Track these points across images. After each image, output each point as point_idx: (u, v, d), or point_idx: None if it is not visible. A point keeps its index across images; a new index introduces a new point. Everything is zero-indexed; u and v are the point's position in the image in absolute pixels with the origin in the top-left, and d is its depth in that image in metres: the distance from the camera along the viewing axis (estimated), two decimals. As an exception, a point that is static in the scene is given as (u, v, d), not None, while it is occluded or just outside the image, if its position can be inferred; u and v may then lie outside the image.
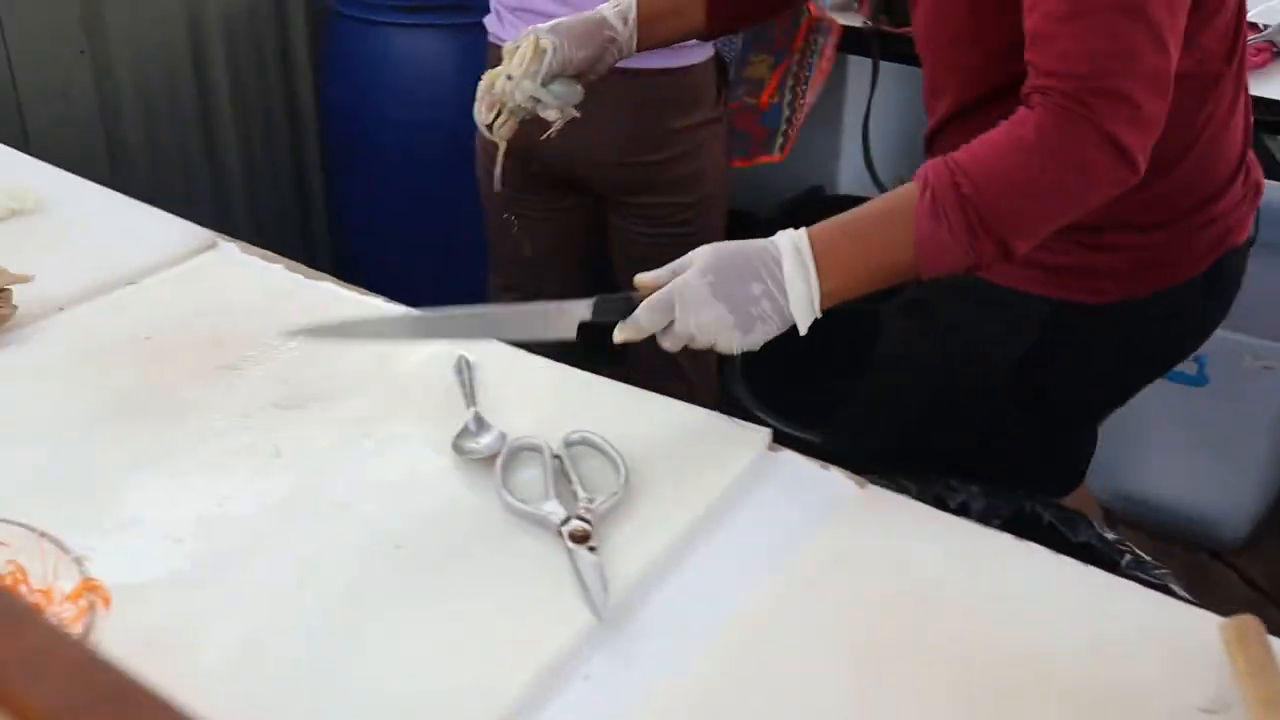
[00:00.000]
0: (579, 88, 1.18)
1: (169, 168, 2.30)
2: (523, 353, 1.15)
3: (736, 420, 1.08)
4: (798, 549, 0.94)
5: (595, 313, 0.96)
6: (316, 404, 1.10)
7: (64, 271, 1.29)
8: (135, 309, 1.26)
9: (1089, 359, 1.30)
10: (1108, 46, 0.90)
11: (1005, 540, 0.96)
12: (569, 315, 0.97)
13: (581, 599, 0.87)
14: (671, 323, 0.94)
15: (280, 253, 1.37)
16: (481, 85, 1.17)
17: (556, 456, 1.01)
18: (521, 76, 1.14)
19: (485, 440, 1.01)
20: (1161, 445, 2.26)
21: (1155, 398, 2.20)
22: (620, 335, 0.96)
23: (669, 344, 0.96)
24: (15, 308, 1.23)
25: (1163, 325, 1.28)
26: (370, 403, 1.10)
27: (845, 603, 0.89)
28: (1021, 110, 0.94)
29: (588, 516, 0.94)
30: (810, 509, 0.99)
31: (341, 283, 1.31)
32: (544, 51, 1.13)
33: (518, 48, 1.15)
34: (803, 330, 0.94)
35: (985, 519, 1.33)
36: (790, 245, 0.93)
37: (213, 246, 1.38)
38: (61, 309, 1.26)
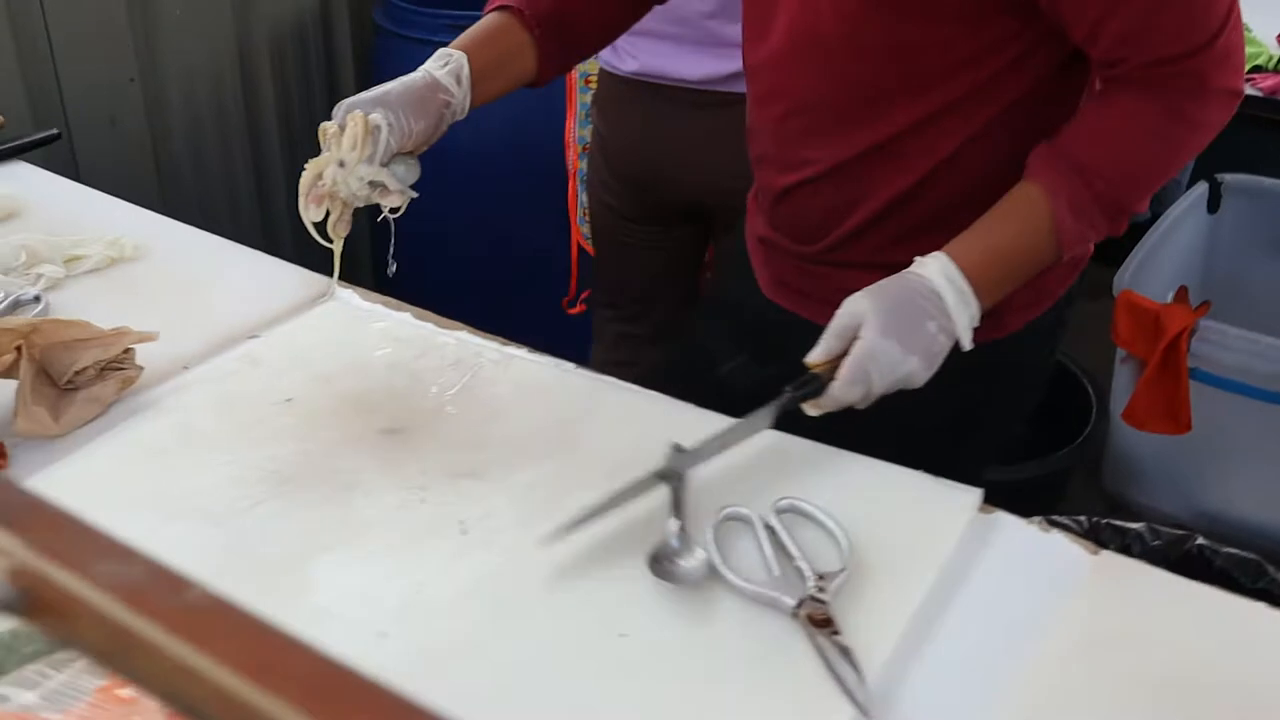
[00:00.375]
0: (418, 164, 1.04)
1: (215, 188, 2.22)
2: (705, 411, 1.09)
3: (942, 480, 1.01)
4: (1045, 620, 0.88)
5: (789, 403, 0.95)
6: (492, 472, 1.02)
7: (179, 325, 1.21)
8: (266, 366, 1.18)
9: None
10: (1203, 17, 0.93)
11: (1262, 610, 0.90)
12: (764, 416, 0.96)
13: (836, 689, 0.81)
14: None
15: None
16: (305, 178, 1.01)
17: (769, 527, 0.94)
18: (356, 162, 0.99)
19: (689, 565, 0.89)
20: (1247, 463, 2.22)
21: (1240, 415, 2.17)
22: (817, 412, 0.95)
23: (863, 404, 0.95)
24: (140, 368, 1.15)
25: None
26: (555, 469, 1.03)
27: (1124, 685, 0.83)
28: (1125, 96, 0.96)
29: (823, 598, 0.87)
30: (1043, 575, 0.93)
31: (476, 331, 1.24)
32: (377, 129, 0.99)
33: (342, 129, 0.99)
34: (965, 348, 0.96)
35: (1153, 558, 1.27)
36: (943, 277, 0.94)
37: (328, 294, 1.30)
38: (187, 367, 1.18)
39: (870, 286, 0.95)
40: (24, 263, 1.29)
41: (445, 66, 1.06)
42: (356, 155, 0.99)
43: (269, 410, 1.10)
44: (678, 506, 0.92)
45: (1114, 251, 3.16)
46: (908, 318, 0.93)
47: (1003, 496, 1.00)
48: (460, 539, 0.95)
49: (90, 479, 1.02)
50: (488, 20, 1.13)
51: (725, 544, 0.93)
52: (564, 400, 1.12)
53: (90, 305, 1.25)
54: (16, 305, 1.25)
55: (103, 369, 1.12)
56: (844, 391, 0.93)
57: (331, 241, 1.05)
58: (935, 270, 0.94)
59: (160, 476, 1.02)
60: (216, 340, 1.22)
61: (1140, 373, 2.23)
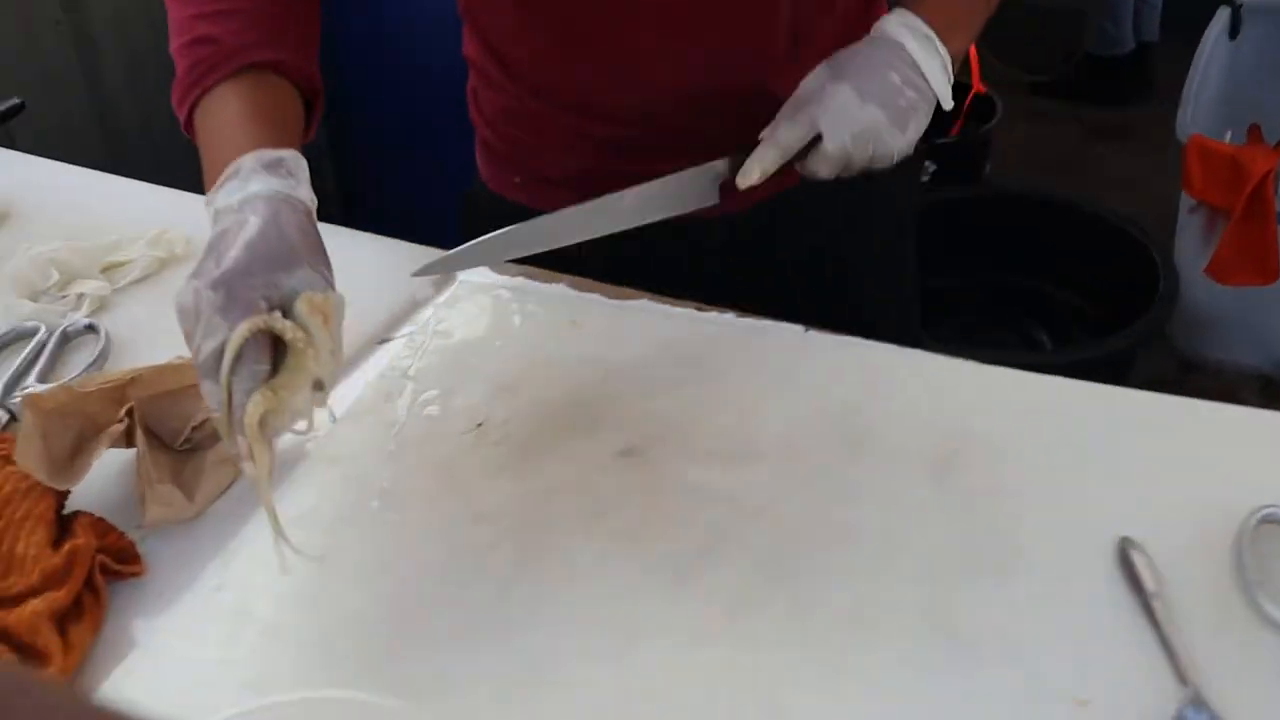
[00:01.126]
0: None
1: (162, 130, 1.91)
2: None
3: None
4: None
5: (733, 164, 0.85)
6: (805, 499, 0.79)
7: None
8: (418, 379, 0.92)
9: None
10: None
11: None
12: (708, 175, 0.85)
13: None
14: (818, 140, 0.83)
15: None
16: (251, 415, 0.66)
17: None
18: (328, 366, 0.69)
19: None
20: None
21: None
22: (756, 168, 0.84)
23: (824, 169, 0.84)
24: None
25: None
26: (881, 484, 0.80)
27: None
28: None
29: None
30: None
31: (656, 297, 0.99)
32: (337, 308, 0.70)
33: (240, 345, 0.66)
34: (947, 105, 0.86)
35: None
36: (903, 27, 0.85)
37: (446, 281, 1.03)
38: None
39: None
40: (56, 282, 1.00)
41: (294, 179, 0.73)
42: (330, 355, 0.69)
43: (458, 445, 0.85)
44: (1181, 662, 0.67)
45: (1108, 91, 3.03)
46: (867, 68, 0.83)
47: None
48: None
49: (254, 577, 0.77)
50: (253, 89, 0.79)
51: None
52: (828, 375, 0.89)
53: (153, 328, 0.97)
54: (65, 340, 0.96)
55: (224, 416, 0.85)
56: (786, 130, 0.83)
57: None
58: (894, 24, 0.86)
59: (343, 564, 0.77)
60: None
61: (1214, 222, 2.08)
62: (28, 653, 0.69)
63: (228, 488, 0.84)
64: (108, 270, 1.02)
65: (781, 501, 0.79)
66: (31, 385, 0.90)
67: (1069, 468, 0.79)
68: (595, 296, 0.99)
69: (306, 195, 0.73)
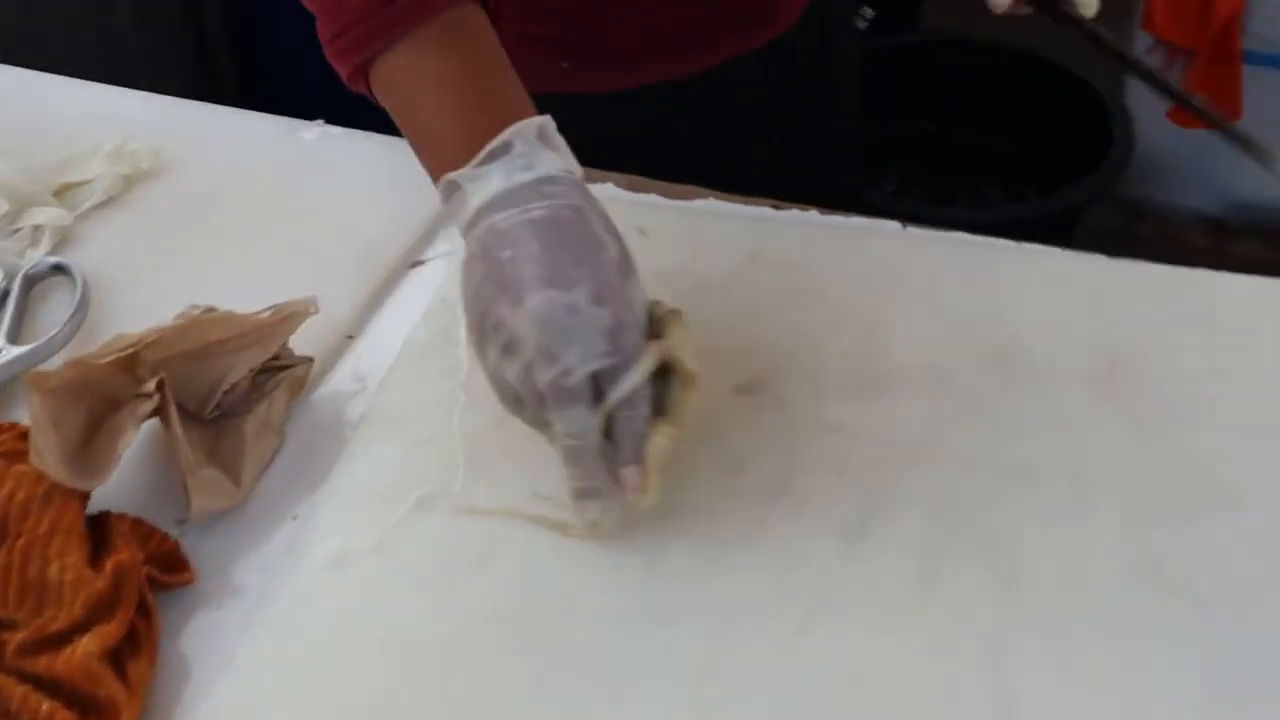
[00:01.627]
0: None
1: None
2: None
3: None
4: None
5: None
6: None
7: (299, 269, 0.79)
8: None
9: None
10: None
11: None
12: None
13: None
14: None
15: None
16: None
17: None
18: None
19: None
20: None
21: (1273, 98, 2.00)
22: None
23: None
24: (310, 359, 0.74)
25: None
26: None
27: None
28: None
29: None
30: None
31: (724, 195, 0.87)
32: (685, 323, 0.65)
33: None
34: None
35: None
36: None
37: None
38: (351, 336, 0.78)
39: None
40: (5, 214, 0.82)
41: (563, 148, 0.63)
42: None
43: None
44: None
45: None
46: None
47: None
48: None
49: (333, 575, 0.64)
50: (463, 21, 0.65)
51: None
52: (947, 281, 0.78)
53: (134, 263, 0.81)
54: (30, 286, 0.79)
55: (255, 375, 0.71)
56: None
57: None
58: None
59: (436, 547, 0.65)
60: (367, 281, 0.80)
61: (1172, 64, 2.02)
62: (88, 706, 0.56)
63: (270, 461, 0.70)
64: (62, 194, 0.85)
65: (940, 438, 0.69)
66: (4, 350, 0.73)
67: (1257, 376, 0.70)
68: (654, 198, 0.86)
69: (577, 168, 0.62)
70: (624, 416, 0.59)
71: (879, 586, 0.62)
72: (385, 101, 0.64)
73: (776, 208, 0.85)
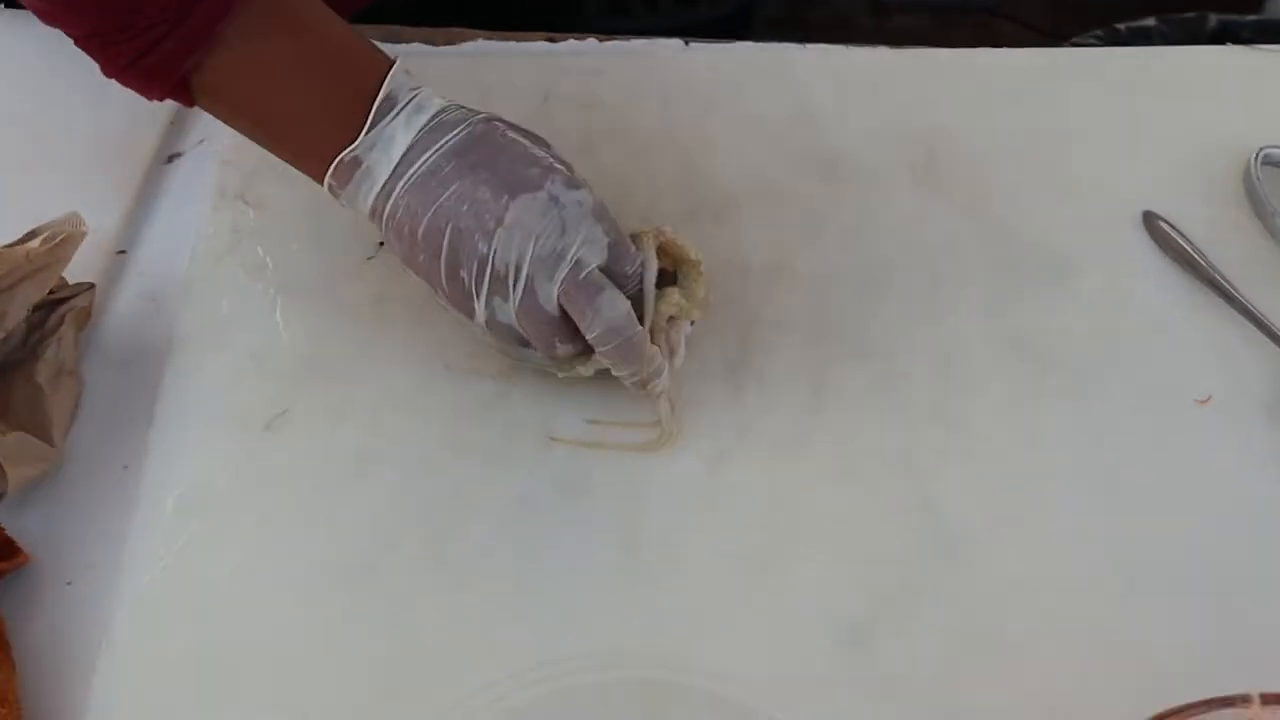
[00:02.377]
0: None
1: None
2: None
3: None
4: None
5: None
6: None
7: (20, 188, 0.70)
8: (268, 209, 0.72)
9: None
10: None
11: None
12: None
13: None
14: None
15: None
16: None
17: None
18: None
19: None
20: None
21: None
22: None
23: None
24: (91, 285, 0.66)
25: None
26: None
27: None
28: None
29: None
30: None
31: (484, 31, 0.83)
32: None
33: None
34: None
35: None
36: None
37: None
38: (123, 251, 0.70)
39: None
40: None
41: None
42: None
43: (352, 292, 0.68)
44: None
45: None
46: None
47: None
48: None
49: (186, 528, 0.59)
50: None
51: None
52: (749, 93, 0.78)
53: None
54: None
55: (32, 314, 0.63)
56: None
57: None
58: None
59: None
60: (123, 187, 0.72)
61: None
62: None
63: (77, 409, 0.63)
64: None
65: (794, 255, 0.70)
66: None
67: (1056, 148, 0.75)
68: (419, 46, 0.81)
69: None
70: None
71: (775, 412, 0.62)
72: (221, 107, 0.59)
73: (551, 40, 0.82)
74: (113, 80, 0.57)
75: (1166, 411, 0.63)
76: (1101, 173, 0.74)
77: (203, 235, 0.69)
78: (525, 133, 0.58)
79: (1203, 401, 0.64)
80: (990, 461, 0.61)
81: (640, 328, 0.58)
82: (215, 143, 0.73)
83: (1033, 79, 0.79)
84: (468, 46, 0.80)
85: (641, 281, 0.59)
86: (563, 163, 0.58)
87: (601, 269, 0.56)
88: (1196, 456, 0.61)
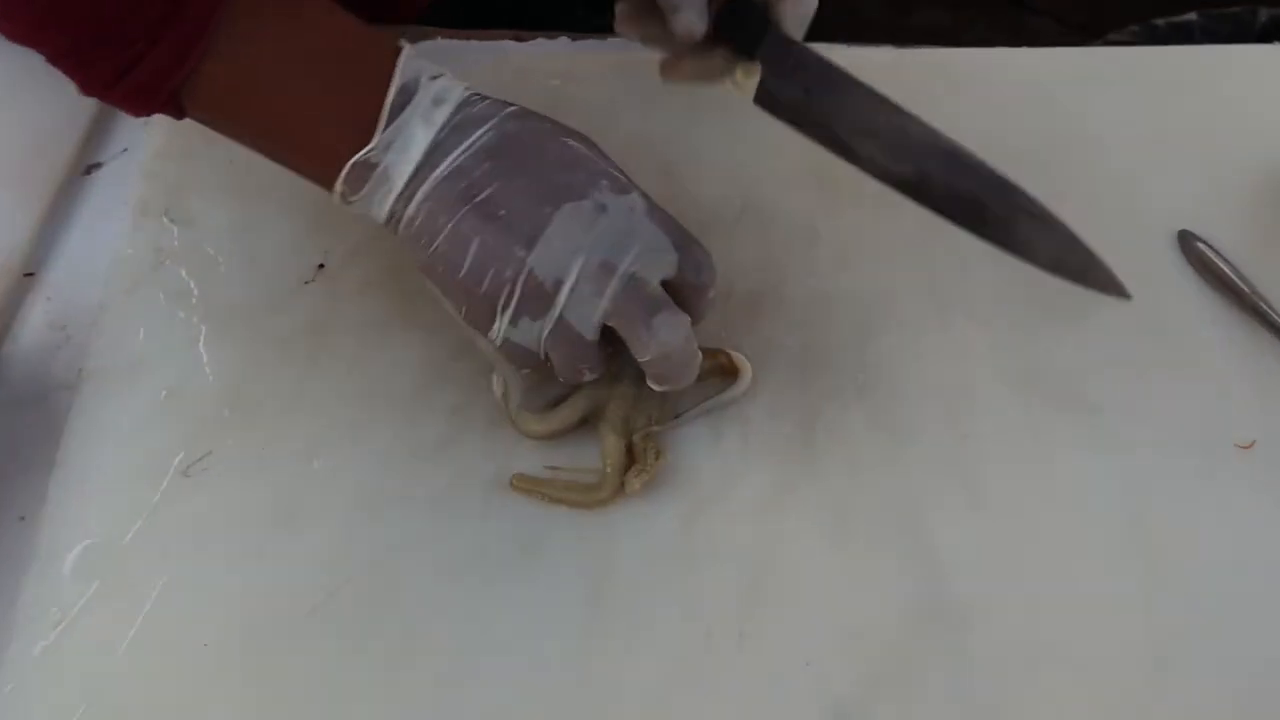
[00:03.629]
0: None
1: None
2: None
3: None
4: None
5: None
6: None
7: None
8: (197, 228, 0.69)
9: None
10: None
11: None
12: None
13: None
14: None
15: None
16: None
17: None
18: None
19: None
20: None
21: None
22: None
23: None
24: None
25: None
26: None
27: None
28: None
29: None
30: None
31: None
32: None
33: None
34: None
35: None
36: None
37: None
38: (31, 273, 0.67)
39: None
40: None
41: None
42: None
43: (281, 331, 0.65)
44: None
45: None
46: None
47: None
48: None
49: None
50: None
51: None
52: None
53: None
54: None
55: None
56: None
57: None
58: None
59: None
60: (33, 201, 0.70)
61: None
62: None
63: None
64: None
65: (784, 279, 0.68)
66: None
67: (1082, 160, 0.73)
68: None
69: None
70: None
71: (758, 459, 0.60)
72: (218, 118, 0.55)
73: (518, 39, 0.79)
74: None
75: (1204, 458, 0.60)
76: (1132, 187, 0.71)
77: (120, 256, 0.66)
78: (563, 128, 0.55)
79: (1245, 447, 0.61)
80: (1002, 515, 0.58)
81: (697, 354, 0.55)
82: (139, 152, 0.71)
83: (1057, 82, 0.76)
84: (424, 46, 0.77)
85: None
86: (609, 162, 0.55)
87: (665, 283, 0.54)
88: (1237, 510, 0.58)
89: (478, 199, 0.52)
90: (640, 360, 0.54)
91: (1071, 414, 0.62)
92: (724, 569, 0.56)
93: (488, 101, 0.54)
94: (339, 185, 0.54)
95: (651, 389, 0.57)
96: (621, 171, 0.54)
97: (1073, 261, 0.58)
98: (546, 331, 0.53)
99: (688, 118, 0.74)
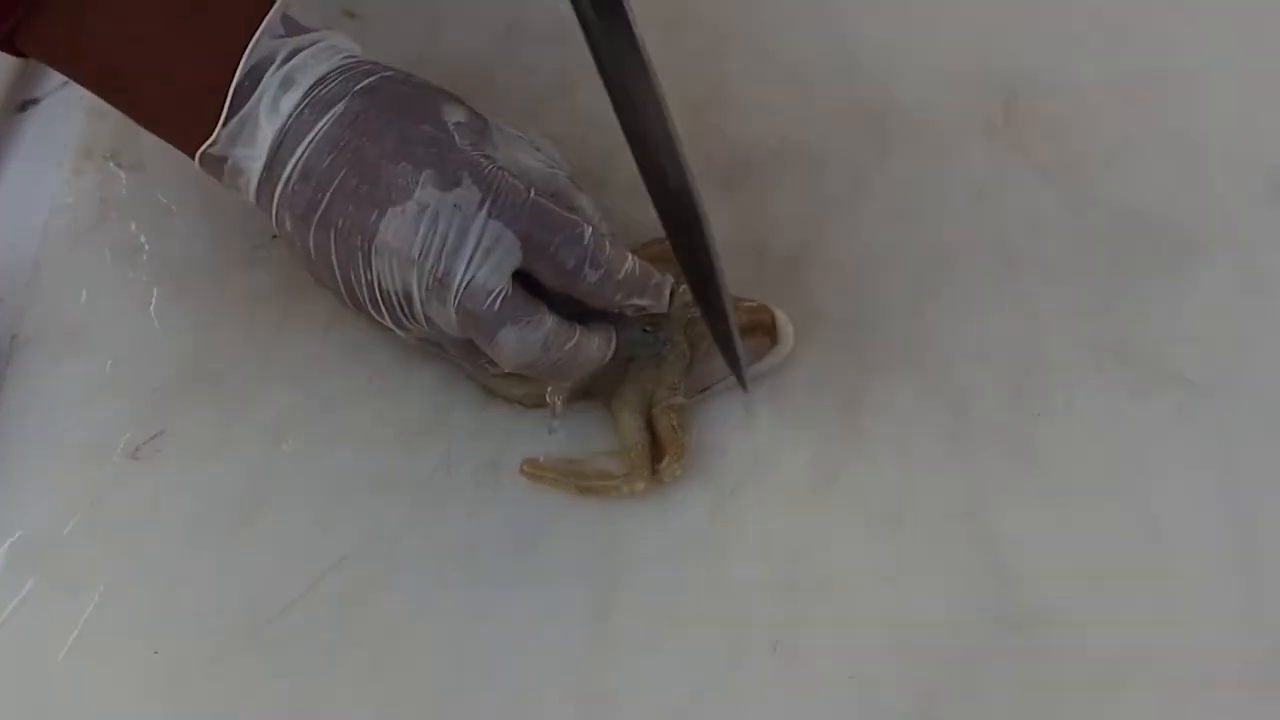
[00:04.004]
0: None
1: None
2: None
3: None
4: None
5: None
6: None
7: None
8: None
9: None
10: None
11: None
12: None
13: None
14: None
15: None
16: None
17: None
18: None
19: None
20: None
21: None
22: None
23: None
24: None
25: None
26: None
27: None
28: None
29: None
30: None
31: None
32: None
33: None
34: None
35: None
36: None
37: None
38: None
39: None
40: None
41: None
42: None
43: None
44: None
45: None
46: None
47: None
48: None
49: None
50: None
51: None
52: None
53: None
54: None
55: None
56: None
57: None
58: None
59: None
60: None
61: None
62: None
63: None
64: None
65: (833, 233, 0.64)
66: None
67: (1171, 96, 0.68)
68: None
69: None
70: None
71: (797, 441, 0.57)
72: (58, 62, 0.55)
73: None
74: None
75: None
76: (1230, 128, 0.66)
77: (60, 206, 0.65)
78: (420, 94, 0.52)
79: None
80: (1079, 508, 0.55)
81: (570, 345, 0.52)
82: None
83: (1141, 6, 0.72)
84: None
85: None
86: (461, 132, 0.52)
87: (523, 269, 0.51)
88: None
89: (321, 207, 0.50)
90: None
91: (1162, 391, 0.58)
92: (756, 567, 0.54)
93: (344, 78, 0.51)
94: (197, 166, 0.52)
95: (672, 361, 0.56)
96: (478, 133, 0.52)
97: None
98: (416, 337, 0.53)
99: (714, 46, 0.70)
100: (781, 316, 0.59)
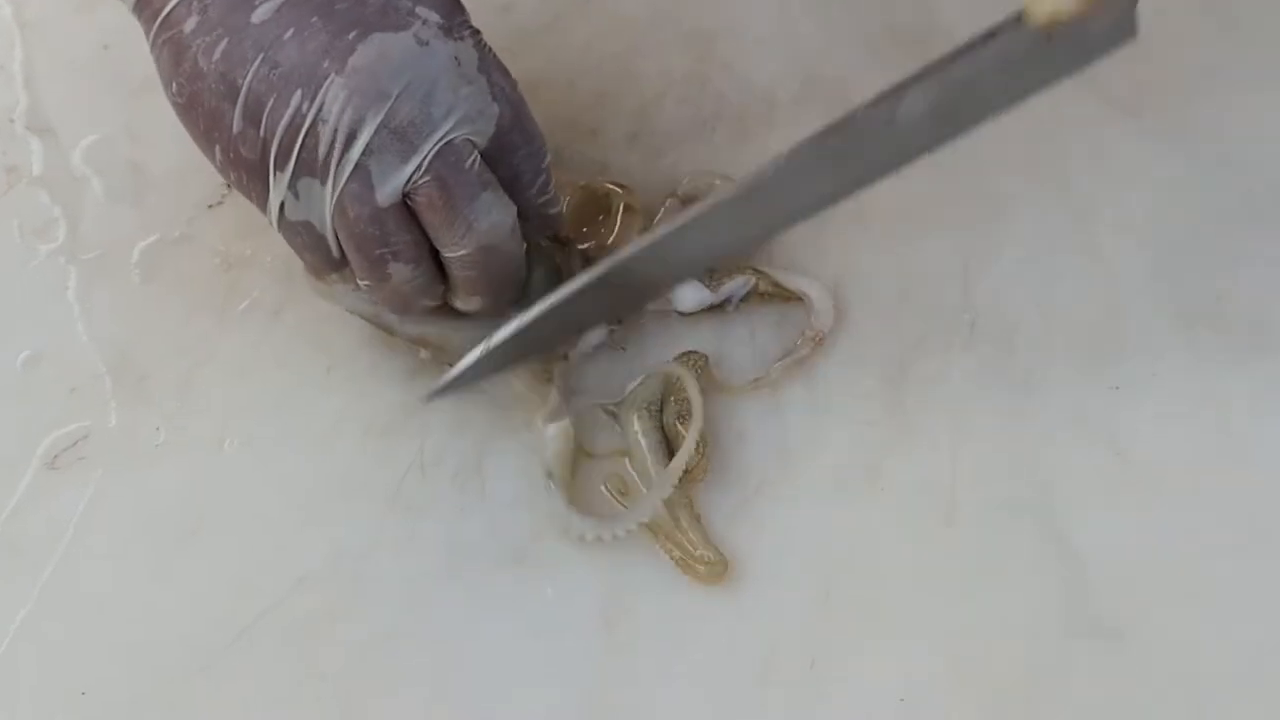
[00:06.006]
0: None
1: None
2: None
3: None
4: None
5: None
6: None
7: None
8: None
9: None
10: None
11: None
12: None
13: None
14: None
15: None
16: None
17: None
18: None
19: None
20: None
21: None
22: None
23: None
24: None
25: None
26: None
27: None
28: None
29: None
30: None
31: None
32: None
33: None
34: None
35: None
36: None
37: None
38: None
39: None
40: None
41: None
42: None
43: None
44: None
45: None
46: None
47: None
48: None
49: None
50: None
51: None
52: None
53: None
54: None
55: None
56: None
57: None
58: None
59: None
60: None
61: None
62: None
63: None
64: None
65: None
66: None
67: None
68: None
69: None
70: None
71: (833, 428, 0.60)
72: None
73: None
74: None
75: None
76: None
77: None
78: None
79: None
80: (1164, 497, 0.58)
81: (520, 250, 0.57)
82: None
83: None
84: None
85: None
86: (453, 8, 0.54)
87: (484, 154, 0.54)
88: None
89: (259, 10, 0.51)
90: (450, 255, 0.55)
91: (1262, 360, 0.61)
92: (787, 574, 0.56)
93: None
94: None
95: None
96: (463, 14, 0.54)
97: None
98: (330, 202, 0.53)
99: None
100: (817, 290, 0.62)
